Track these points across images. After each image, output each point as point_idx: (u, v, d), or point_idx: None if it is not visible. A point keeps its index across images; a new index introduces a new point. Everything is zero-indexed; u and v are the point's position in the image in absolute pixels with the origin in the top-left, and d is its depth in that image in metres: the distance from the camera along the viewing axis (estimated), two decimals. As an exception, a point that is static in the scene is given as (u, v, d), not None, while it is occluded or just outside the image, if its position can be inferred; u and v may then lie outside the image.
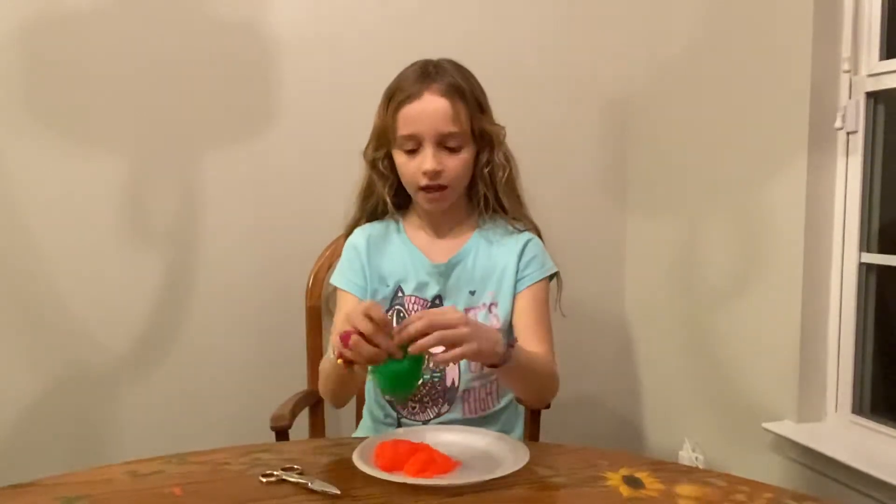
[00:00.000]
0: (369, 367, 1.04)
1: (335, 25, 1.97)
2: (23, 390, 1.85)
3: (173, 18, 1.88)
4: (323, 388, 1.32)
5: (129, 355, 1.92)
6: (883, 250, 1.58)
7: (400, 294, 1.34)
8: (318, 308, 1.70)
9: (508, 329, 1.33)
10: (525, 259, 1.34)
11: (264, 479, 1.02)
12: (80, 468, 1.09)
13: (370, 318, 1.01)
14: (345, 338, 1.03)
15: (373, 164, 1.35)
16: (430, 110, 1.25)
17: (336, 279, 1.38)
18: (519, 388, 1.30)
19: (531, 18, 2.11)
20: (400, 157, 1.30)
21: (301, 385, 1.69)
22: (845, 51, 1.56)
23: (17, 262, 1.83)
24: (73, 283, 1.87)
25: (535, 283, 1.33)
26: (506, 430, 1.33)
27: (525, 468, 1.07)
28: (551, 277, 1.37)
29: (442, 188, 1.29)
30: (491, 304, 1.33)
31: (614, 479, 1.04)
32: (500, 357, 1.10)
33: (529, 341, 1.28)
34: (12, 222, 1.82)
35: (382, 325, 1.02)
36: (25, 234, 1.83)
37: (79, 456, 1.87)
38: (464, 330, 1.03)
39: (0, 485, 1.02)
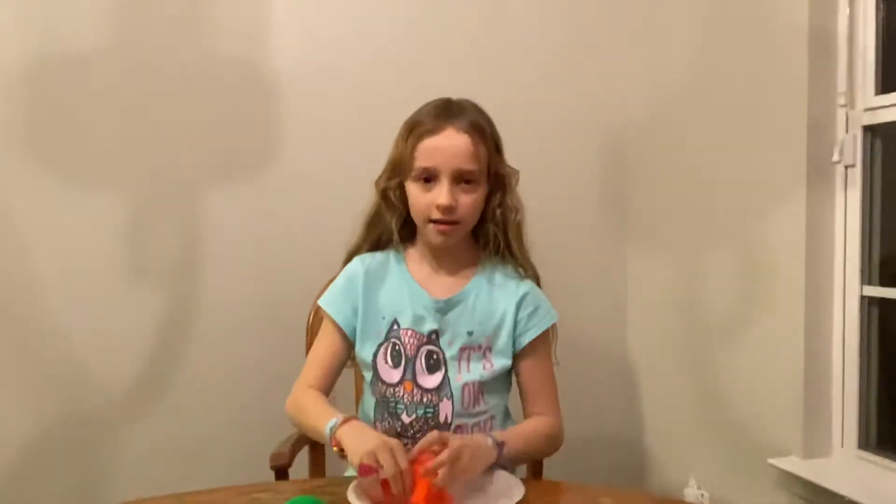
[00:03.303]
0: None
1: (335, 63, 2.00)
2: (21, 430, 1.84)
3: (173, 57, 1.90)
4: (292, 415, 1.34)
5: (128, 395, 1.91)
6: (884, 283, 1.57)
7: (395, 327, 1.34)
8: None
9: (502, 376, 1.35)
10: (525, 311, 1.34)
11: (262, 520, 1.01)
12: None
13: (395, 460, 1.06)
14: (365, 470, 1.06)
15: (384, 194, 1.36)
16: (451, 145, 1.27)
17: (325, 301, 1.38)
18: (519, 463, 1.37)
19: (529, 53, 2.13)
20: (414, 189, 1.30)
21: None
22: (841, 85, 1.58)
23: (18, 301, 1.83)
24: (74, 323, 1.86)
25: (538, 336, 1.34)
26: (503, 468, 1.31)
27: (528, 507, 1.05)
28: None
29: (453, 223, 1.29)
30: (486, 349, 1.33)
31: (618, 517, 1.03)
32: (494, 459, 1.17)
33: (535, 403, 1.36)
34: (14, 262, 1.83)
35: (402, 471, 1.06)
36: (26, 275, 1.84)
37: (78, 496, 1.84)
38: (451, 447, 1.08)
39: (-4, 526, 1.01)
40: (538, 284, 1.39)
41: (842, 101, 1.58)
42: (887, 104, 1.52)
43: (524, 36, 2.13)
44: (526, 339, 1.34)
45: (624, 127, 2.20)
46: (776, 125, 1.66)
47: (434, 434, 1.11)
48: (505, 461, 1.19)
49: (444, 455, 1.06)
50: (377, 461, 1.06)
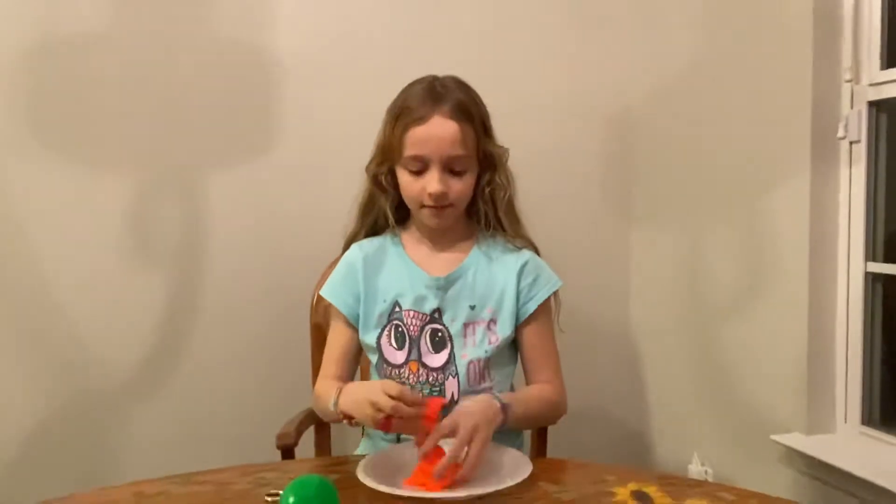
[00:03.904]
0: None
1: (337, 47, 1.99)
2: (28, 412, 1.85)
3: (176, 41, 1.90)
4: (316, 409, 1.39)
5: (133, 376, 1.92)
6: (889, 259, 1.57)
7: (398, 309, 1.34)
8: (322, 326, 1.70)
9: (506, 350, 1.36)
10: (526, 280, 1.35)
11: (269, 499, 1.02)
12: (85, 490, 1.09)
13: (390, 397, 1.08)
14: (383, 426, 1.10)
15: (375, 179, 1.36)
16: (439, 134, 1.26)
17: (326, 291, 1.39)
18: (523, 428, 1.40)
19: (531, 35, 2.11)
20: (404, 176, 1.31)
21: (306, 403, 1.68)
22: (846, 60, 1.56)
23: (23, 283, 1.84)
24: (78, 305, 1.87)
25: (542, 303, 1.35)
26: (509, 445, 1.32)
27: (532, 484, 1.06)
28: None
29: (446, 207, 1.30)
30: (490, 321, 1.33)
31: (622, 494, 1.04)
32: (500, 424, 1.18)
33: (538, 370, 1.36)
34: (17, 244, 1.83)
35: (401, 398, 1.09)
36: (30, 256, 1.84)
37: (85, 477, 1.86)
38: (466, 427, 1.09)
39: (5, 507, 1.02)
40: (537, 253, 1.40)
41: (847, 76, 1.56)
42: (893, 79, 1.51)
43: (526, 15, 2.11)
44: (530, 308, 1.34)
45: (627, 103, 2.18)
46: (781, 101, 1.65)
47: (443, 427, 1.10)
48: (509, 423, 1.20)
49: (454, 450, 1.07)
50: (380, 409, 1.08)
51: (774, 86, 1.67)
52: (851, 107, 1.57)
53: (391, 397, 1.08)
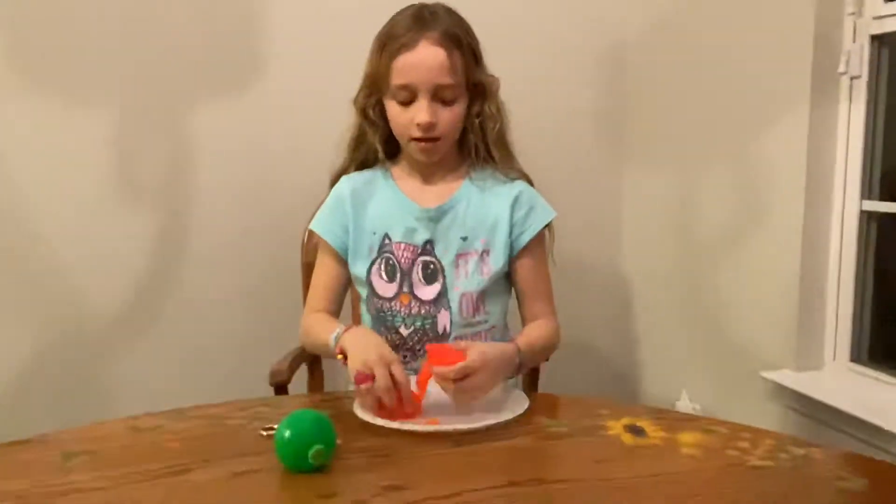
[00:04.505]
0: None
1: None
2: (21, 348, 1.85)
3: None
4: (304, 342, 1.38)
5: (126, 313, 1.91)
6: (884, 198, 1.56)
7: (387, 242, 1.32)
8: (314, 263, 1.68)
9: (500, 282, 1.35)
10: (521, 211, 1.33)
11: (264, 433, 1.02)
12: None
13: (391, 374, 1.06)
14: (360, 378, 1.07)
15: (363, 112, 1.33)
16: (426, 61, 1.23)
17: (315, 225, 1.38)
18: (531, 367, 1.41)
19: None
20: (393, 107, 1.28)
21: (298, 341, 1.69)
22: (850, -8, 1.53)
23: (7, 221, 1.81)
24: (66, 241, 1.85)
25: (536, 235, 1.33)
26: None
27: (526, 418, 1.07)
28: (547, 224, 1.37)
29: (435, 139, 1.27)
30: (483, 252, 1.32)
31: (616, 427, 1.05)
32: (516, 369, 1.20)
33: (532, 302, 1.36)
34: (1, 183, 1.79)
35: (398, 384, 1.06)
36: (14, 193, 1.81)
37: (78, 414, 1.85)
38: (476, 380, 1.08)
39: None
40: (531, 185, 1.38)
41: (850, 9, 1.53)
42: (897, 12, 1.48)
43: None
44: (525, 239, 1.32)
45: (623, 38, 2.14)
46: (781, 36, 1.62)
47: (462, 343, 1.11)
48: (525, 367, 1.23)
49: (455, 367, 1.06)
50: (369, 369, 1.07)
51: (775, 20, 1.63)
52: (854, 41, 1.54)
53: (391, 373, 1.06)
